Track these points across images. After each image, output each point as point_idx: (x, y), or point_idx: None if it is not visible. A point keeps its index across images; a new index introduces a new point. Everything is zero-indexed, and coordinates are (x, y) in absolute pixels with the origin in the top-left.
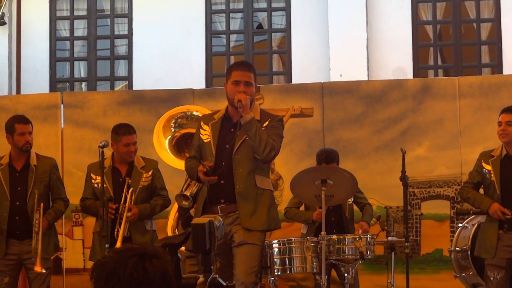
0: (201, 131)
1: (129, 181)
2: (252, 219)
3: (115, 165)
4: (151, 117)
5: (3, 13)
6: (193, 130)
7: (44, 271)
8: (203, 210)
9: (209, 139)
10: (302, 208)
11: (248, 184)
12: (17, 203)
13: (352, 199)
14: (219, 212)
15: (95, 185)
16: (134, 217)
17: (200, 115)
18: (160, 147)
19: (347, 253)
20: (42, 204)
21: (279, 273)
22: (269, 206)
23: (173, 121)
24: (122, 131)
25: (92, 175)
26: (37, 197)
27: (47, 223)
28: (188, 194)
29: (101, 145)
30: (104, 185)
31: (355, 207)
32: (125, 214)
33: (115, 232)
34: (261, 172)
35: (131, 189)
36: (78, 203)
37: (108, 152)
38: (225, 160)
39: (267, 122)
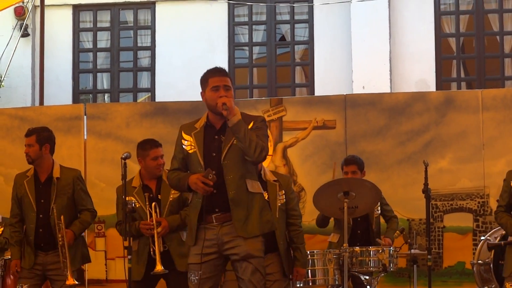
0: (183, 142)
1: (159, 196)
2: (245, 226)
3: (145, 183)
4: (173, 129)
5: (26, 24)
6: None
7: (76, 282)
8: (198, 220)
9: (194, 150)
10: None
11: (240, 190)
12: (41, 216)
13: (379, 211)
14: (214, 221)
15: (133, 208)
16: (164, 230)
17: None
18: None
19: (370, 265)
20: (62, 217)
21: (301, 285)
22: (261, 209)
23: None
24: (149, 145)
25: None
26: (56, 211)
27: (72, 234)
28: None
29: (123, 156)
30: (138, 205)
31: (381, 220)
32: (155, 230)
33: (151, 251)
34: (250, 176)
35: (154, 203)
36: (101, 215)
37: (133, 169)
38: (215, 169)
39: (251, 124)
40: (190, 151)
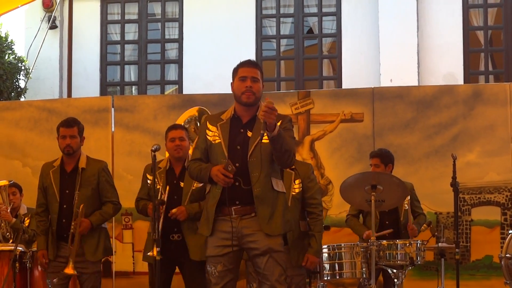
0: (208, 132)
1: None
2: (270, 224)
3: (172, 166)
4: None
5: (54, 16)
6: None
7: (75, 272)
8: (216, 211)
9: (218, 140)
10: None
11: (265, 188)
12: (65, 206)
13: (409, 206)
14: (233, 213)
15: (151, 186)
16: (182, 215)
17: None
18: None
19: (397, 258)
20: (82, 206)
21: (329, 278)
22: (284, 209)
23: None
24: (168, 128)
25: (148, 175)
26: (78, 199)
27: (88, 224)
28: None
29: (153, 148)
30: (158, 186)
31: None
32: (161, 218)
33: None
34: (275, 175)
35: (167, 187)
36: (128, 207)
37: (162, 156)
38: (239, 162)
39: (279, 123)
40: (214, 142)
